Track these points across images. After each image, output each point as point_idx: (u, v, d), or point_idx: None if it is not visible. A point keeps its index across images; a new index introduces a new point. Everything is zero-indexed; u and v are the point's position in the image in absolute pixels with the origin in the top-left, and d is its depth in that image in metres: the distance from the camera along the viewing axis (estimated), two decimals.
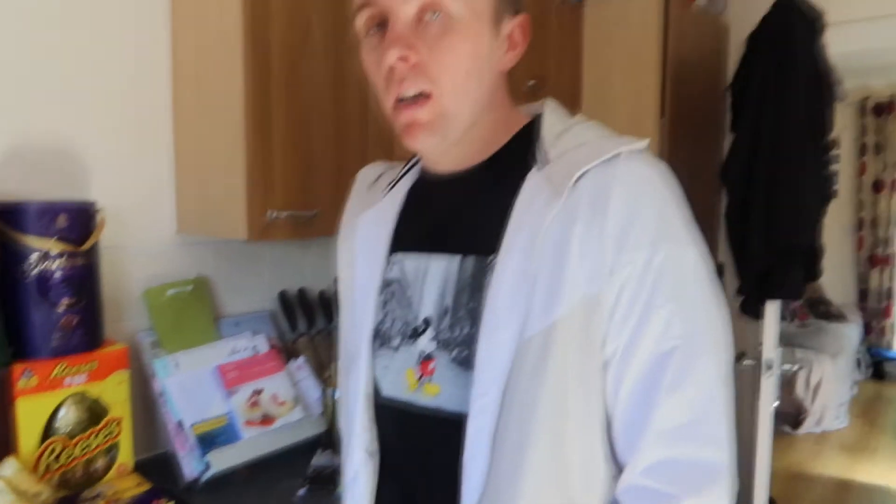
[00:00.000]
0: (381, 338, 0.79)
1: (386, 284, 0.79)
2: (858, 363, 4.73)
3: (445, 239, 0.76)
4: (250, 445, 1.31)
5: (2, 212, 1.11)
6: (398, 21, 0.66)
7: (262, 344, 1.50)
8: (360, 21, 0.70)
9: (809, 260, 1.72)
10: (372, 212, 0.84)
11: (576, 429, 0.66)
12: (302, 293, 1.69)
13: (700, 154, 2.33)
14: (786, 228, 1.68)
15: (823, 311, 4.80)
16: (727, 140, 2.50)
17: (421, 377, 0.74)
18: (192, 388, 1.33)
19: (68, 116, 1.26)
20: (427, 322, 0.74)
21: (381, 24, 0.68)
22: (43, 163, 1.23)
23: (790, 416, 3.92)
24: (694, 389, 0.63)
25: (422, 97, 0.67)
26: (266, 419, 1.37)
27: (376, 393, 0.79)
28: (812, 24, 1.74)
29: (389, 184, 0.86)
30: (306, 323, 1.67)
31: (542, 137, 0.72)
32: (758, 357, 1.93)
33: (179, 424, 1.28)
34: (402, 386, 0.76)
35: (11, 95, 1.18)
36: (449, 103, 0.68)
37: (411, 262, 0.77)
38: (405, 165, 0.86)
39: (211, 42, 1.27)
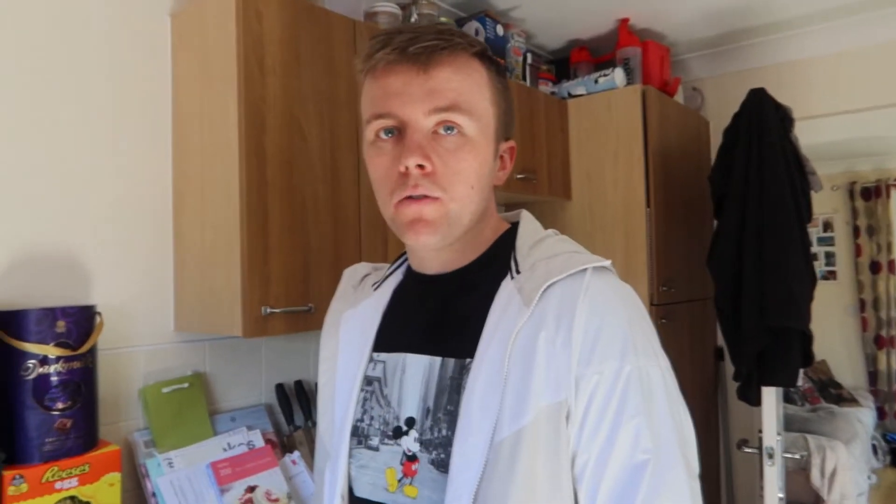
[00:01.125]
0: (358, 436, 0.79)
1: (367, 382, 0.81)
2: (875, 450, 4.58)
3: (426, 339, 0.77)
4: None
5: (1, 319, 1.14)
6: (417, 131, 0.71)
7: (257, 439, 1.49)
8: (375, 127, 0.74)
9: (804, 344, 1.73)
10: (356, 310, 0.87)
11: None
12: (299, 385, 1.69)
13: (690, 241, 2.38)
14: (779, 310, 1.69)
15: (835, 394, 4.70)
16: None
17: (402, 478, 0.74)
18: (184, 487, 1.32)
19: (70, 223, 1.31)
20: (411, 422, 0.75)
21: (393, 129, 0.73)
22: (45, 269, 1.27)
23: None
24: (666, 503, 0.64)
25: (429, 198, 0.71)
26: None
27: (350, 492, 0.79)
28: (782, 118, 1.83)
29: (374, 284, 0.89)
30: (303, 416, 1.67)
31: (516, 248, 0.77)
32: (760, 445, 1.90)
33: None
34: (381, 486, 0.75)
35: (14, 205, 1.24)
36: (454, 208, 0.72)
37: (391, 361, 0.79)
38: (390, 266, 0.90)
39: (212, 146, 1.35)
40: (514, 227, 0.82)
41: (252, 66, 1.30)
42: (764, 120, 1.77)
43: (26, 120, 1.26)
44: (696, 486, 0.67)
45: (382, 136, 0.74)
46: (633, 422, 0.64)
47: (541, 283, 0.70)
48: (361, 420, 0.79)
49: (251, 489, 1.38)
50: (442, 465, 0.70)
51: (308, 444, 1.63)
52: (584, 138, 2.28)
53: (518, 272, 0.74)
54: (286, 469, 1.48)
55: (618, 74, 2.20)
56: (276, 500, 1.39)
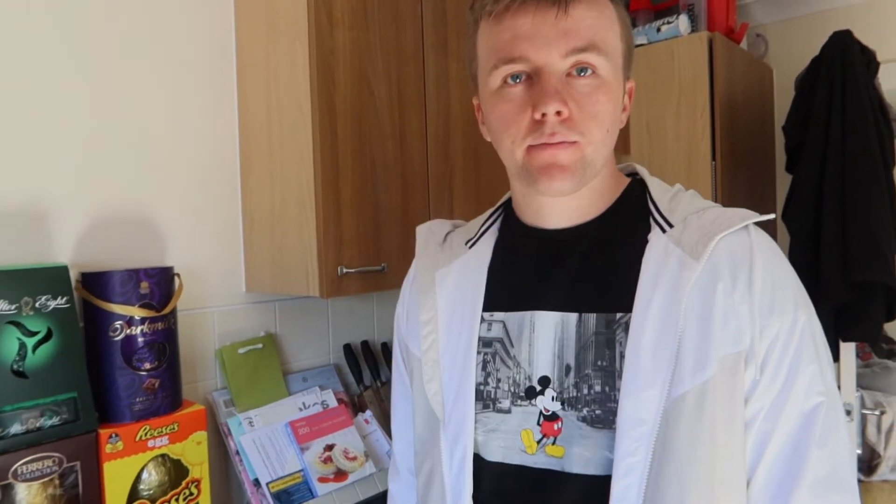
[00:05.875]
0: (484, 399, 0.76)
1: (485, 344, 0.77)
2: None
3: (558, 296, 0.74)
4: (326, 503, 1.30)
5: (88, 280, 1.15)
6: (553, 76, 0.68)
7: (329, 398, 1.50)
8: (502, 73, 0.71)
9: (888, 298, 1.66)
10: (450, 269, 0.83)
11: (723, 485, 0.66)
12: (365, 346, 1.69)
13: (753, 195, 2.30)
14: (864, 263, 1.62)
15: (886, 350, 4.59)
16: (779, 180, 2.49)
17: (542, 439, 0.72)
18: (266, 445, 1.33)
19: (142, 185, 1.30)
20: (545, 381, 0.73)
21: (521, 74, 0.70)
22: (121, 232, 1.28)
23: (862, 462, 3.71)
24: (836, 441, 0.67)
25: (565, 143, 0.69)
26: (339, 475, 1.36)
27: (476, 458, 0.76)
28: (868, 62, 1.73)
29: (468, 241, 0.85)
30: (371, 375, 1.67)
31: (655, 201, 0.76)
32: None
33: (256, 482, 1.28)
34: (517, 449, 0.73)
35: (90, 168, 1.23)
36: (589, 153, 0.70)
37: (513, 320, 0.76)
38: (484, 222, 0.86)
39: (280, 103, 1.33)
40: (634, 178, 0.80)
41: (322, 18, 1.25)
42: (849, 64, 1.67)
43: (101, 87, 1.25)
44: None
45: (510, 81, 0.70)
46: (809, 368, 0.67)
47: (708, 237, 0.69)
48: (485, 383, 0.76)
49: (329, 447, 1.40)
50: (599, 422, 0.69)
51: (378, 404, 1.63)
52: (642, 90, 2.19)
53: (671, 226, 0.73)
54: (360, 428, 1.49)
55: (682, 21, 2.10)
56: (354, 457, 1.41)
